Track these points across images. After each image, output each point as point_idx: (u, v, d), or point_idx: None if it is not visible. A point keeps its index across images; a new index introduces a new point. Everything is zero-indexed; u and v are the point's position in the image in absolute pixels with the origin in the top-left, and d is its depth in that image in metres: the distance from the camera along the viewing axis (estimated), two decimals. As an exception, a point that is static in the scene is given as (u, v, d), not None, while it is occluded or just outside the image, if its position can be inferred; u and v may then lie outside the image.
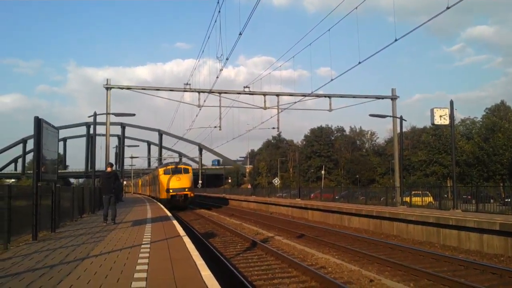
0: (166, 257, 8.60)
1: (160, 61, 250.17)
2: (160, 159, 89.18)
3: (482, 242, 15.84)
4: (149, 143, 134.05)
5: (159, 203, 36.03)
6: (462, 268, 12.65)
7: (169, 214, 21.63)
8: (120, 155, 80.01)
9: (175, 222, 16.68)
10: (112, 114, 30.82)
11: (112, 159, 48.25)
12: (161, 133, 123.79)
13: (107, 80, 31.83)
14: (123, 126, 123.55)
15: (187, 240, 11.04)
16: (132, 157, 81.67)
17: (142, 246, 10.16)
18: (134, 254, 8.98)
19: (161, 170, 42.59)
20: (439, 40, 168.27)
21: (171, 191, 39.36)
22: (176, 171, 41.18)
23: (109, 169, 16.86)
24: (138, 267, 7.48)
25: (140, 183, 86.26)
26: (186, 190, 40.07)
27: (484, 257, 14.66)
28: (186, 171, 41.82)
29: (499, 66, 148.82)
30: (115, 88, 32.56)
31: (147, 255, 8.82)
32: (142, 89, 34.17)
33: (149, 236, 12.09)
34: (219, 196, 67.32)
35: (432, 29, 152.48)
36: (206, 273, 6.95)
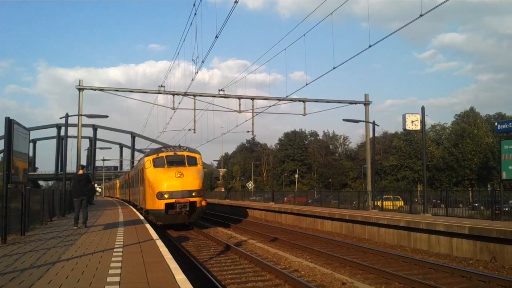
0: (139, 260, 8.51)
1: (133, 62, 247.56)
2: (132, 162, 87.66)
3: (452, 245, 16.17)
4: (121, 146, 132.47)
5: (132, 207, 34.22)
6: (432, 271, 12.89)
7: (141, 217, 21.42)
8: (91, 157, 78.84)
9: (147, 225, 16.52)
10: (85, 115, 30.36)
11: (83, 162, 47.45)
12: (133, 136, 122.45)
13: (79, 81, 31.32)
14: (95, 128, 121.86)
15: (160, 244, 10.95)
16: (104, 160, 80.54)
17: (115, 249, 10.03)
18: (106, 258, 8.86)
19: (148, 160, 24.53)
20: (412, 46, 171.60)
21: (166, 196, 22.57)
22: (174, 161, 24.31)
23: (81, 171, 16.64)
24: (111, 271, 7.39)
25: (118, 185, 64.24)
26: (194, 194, 22.98)
27: (454, 260, 14.97)
28: (192, 161, 24.74)
29: (469, 73, 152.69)
30: (88, 89, 32.04)
31: (120, 259, 8.71)
32: (115, 90, 33.71)
33: (122, 240, 11.95)
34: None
35: (405, 36, 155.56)
36: (180, 276, 6.91)
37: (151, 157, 24.50)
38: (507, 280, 11.29)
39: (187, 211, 22.57)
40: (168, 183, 22.69)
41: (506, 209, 19.28)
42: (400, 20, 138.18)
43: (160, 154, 24.36)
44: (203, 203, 23.50)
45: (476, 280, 11.54)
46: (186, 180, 22.91)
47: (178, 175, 22.89)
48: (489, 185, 62.61)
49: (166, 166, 23.71)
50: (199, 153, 25.46)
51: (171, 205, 22.50)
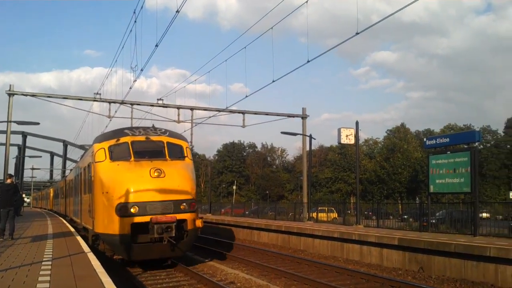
0: (69, 274, 8.21)
1: (67, 68, 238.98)
2: (63, 171, 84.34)
3: (382, 256, 16.75)
4: (52, 154, 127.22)
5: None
6: (364, 281, 13.29)
7: (71, 229, 20.60)
8: (20, 166, 75.18)
9: (78, 238, 15.94)
10: (14, 122, 28.95)
11: (11, 171, 45.09)
12: (66, 144, 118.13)
13: (10, 85, 29.92)
14: (24, 135, 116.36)
15: (92, 257, 10.61)
16: (33, 169, 77.01)
17: (43, 263, 9.61)
18: (34, 271, 8.48)
19: (101, 149, 14.84)
20: (348, 63, 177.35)
21: (133, 210, 13.29)
22: (148, 150, 14.96)
23: (8, 180, 15.85)
24: (39, 285, 7.09)
25: (52, 194, 52.16)
26: (184, 207, 13.90)
27: (384, 270, 15.51)
28: (176, 151, 15.40)
29: (401, 91, 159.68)
30: (19, 94, 30.67)
31: (49, 272, 8.36)
32: (48, 96, 32.47)
33: (51, 253, 11.47)
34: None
35: (342, 52, 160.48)
36: (113, 290, 6.73)
37: (106, 144, 14.51)
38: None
39: (172, 237, 13.22)
40: (137, 187, 13.27)
41: (433, 221, 20.24)
42: (337, 37, 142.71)
43: (122, 139, 14.43)
44: (198, 222, 14.19)
45: (404, 289, 12.00)
46: (169, 182, 13.55)
47: (156, 174, 13.41)
48: (417, 198, 65.55)
49: (132, 158, 14.09)
50: (186, 140, 16.03)
51: (143, 227, 13.17)
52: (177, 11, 14.26)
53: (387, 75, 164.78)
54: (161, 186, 13.42)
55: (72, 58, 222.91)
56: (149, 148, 14.74)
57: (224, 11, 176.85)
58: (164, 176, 13.54)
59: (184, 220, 13.74)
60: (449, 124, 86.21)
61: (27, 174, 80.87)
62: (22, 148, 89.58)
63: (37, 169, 79.85)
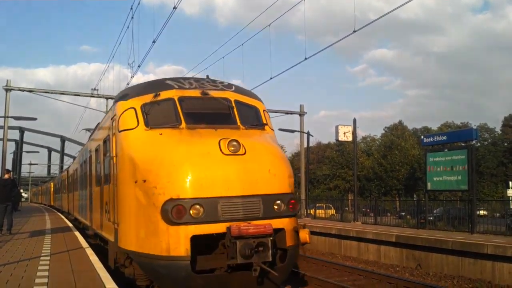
0: (67, 269, 8.21)
1: (64, 63, 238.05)
2: (61, 167, 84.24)
3: (380, 253, 16.81)
4: (50, 150, 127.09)
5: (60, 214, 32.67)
6: (362, 277, 13.33)
7: (70, 224, 20.57)
8: (17, 162, 75.13)
9: (77, 233, 15.93)
10: (12, 117, 28.89)
11: (9, 166, 45.01)
12: (63, 140, 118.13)
13: (7, 81, 29.84)
14: (22, 130, 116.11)
15: (90, 252, 10.60)
16: (30, 164, 76.90)
17: (42, 258, 9.61)
18: (32, 266, 8.48)
19: (129, 110, 8.55)
20: (345, 60, 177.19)
21: (193, 210, 7.13)
22: (208, 112, 8.70)
23: (6, 175, 15.85)
24: (37, 280, 7.08)
25: (52, 189, 46.13)
26: (278, 206, 7.69)
27: (382, 267, 15.56)
28: (252, 115, 9.25)
29: (398, 88, 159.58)
30: (16, 90, 30.57)
31: (47, 267, 8.36)
32: (45, 92, 32.38)
33: (49, 248, 11.46)
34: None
35: (340, 50, 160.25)
36: (111, 286, 6.74)
37: (137, 101, 8.75)
38: (432, 287, 11.90)
39: (267, 262, 7.20)
40: (200, 170, 7.50)
41: (431, 218, 20.31)
42: (334, 34, 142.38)
43: (165, 94, 8.76)
44: (303, 234, 8.00)
45: (402, 286, 12.05)
46: (253, 164, 7.76)
47: (232, 148, 7.67)
48: (415, 195, 65.67)
49: (184, 124, 8.35)
50: (261, 100, 10.12)
51: (214, 242, 7.58)
52: (174, 8, 14.24)
53: (384, 73, 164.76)
54: (242, 170, 7.54)
55: (69, 53, 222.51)
56: (209, 109, 8.80)
57: (221, 8, 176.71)
58: (245, 153, 7.61)
59: (280, 231, 7.70)
60: (446, 122, 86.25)
61: (25, 170, 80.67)
62: (19, 143, 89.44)
63: (34, 164, 79.72)
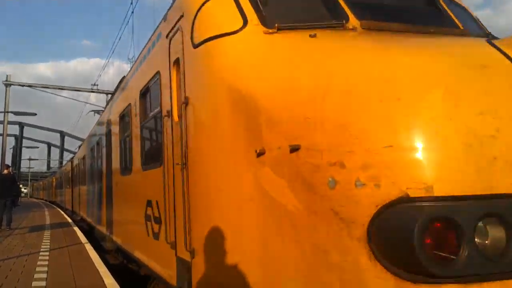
0: (66, 264, 8.31)
1: (64, 58, 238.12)
2: (61, 162, 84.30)
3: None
4: (49, 145, 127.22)
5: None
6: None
7: (69, 220, 20.69)
8: (17, 157, 75.30)
9: (76, 228, 16.04)
10: (11, 112, 28.95)
11: (8, 161, 45.01)
12: (63, 135, 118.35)
13: (7, 76, 29.85)
14: (21, 125, 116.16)
15: (89, 247, 10.71)
16: (30, 159, 76.96)
17: (41, 253, 9.72)
18: (32, 261, 8.58)
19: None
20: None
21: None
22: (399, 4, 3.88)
23: (6, 171, 15.95)
24: (36, 275, 7.18)
25: (54, 182, 43.03)
26: None
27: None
28: (467, 18, 4.27)
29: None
30: (16, 85, 30.56)
31: (46, 262, 8.47)
32: (45, 87, 32.37)
33: (48, 243, 11.56)
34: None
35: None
36: (109, 281, 6.84)
37: None
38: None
39: None
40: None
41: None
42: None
43: None
44: None
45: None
46: None
47: None
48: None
49: (356, 22, 3.46)
50: None
51: None
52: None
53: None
54: None
55: (69, 49, 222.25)
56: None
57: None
58: None
59: None
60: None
61: (24, 165, 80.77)
62: (19, 139, 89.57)
63: (34, 159, 79.78)
